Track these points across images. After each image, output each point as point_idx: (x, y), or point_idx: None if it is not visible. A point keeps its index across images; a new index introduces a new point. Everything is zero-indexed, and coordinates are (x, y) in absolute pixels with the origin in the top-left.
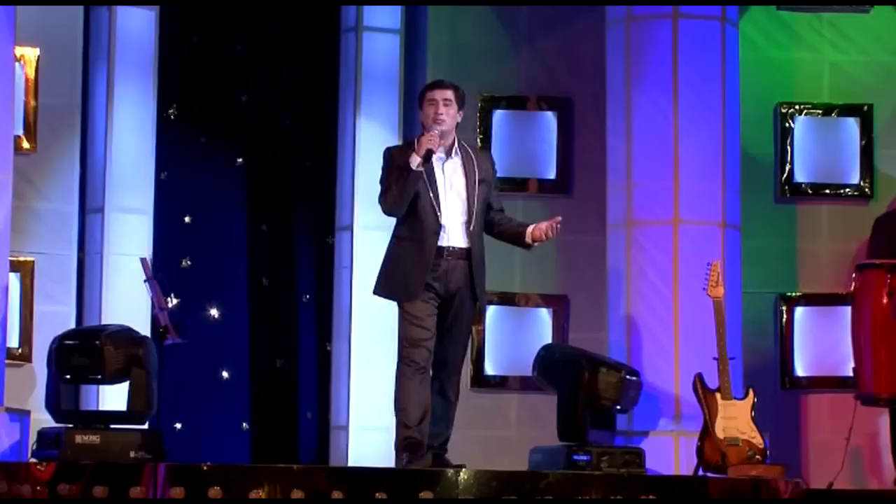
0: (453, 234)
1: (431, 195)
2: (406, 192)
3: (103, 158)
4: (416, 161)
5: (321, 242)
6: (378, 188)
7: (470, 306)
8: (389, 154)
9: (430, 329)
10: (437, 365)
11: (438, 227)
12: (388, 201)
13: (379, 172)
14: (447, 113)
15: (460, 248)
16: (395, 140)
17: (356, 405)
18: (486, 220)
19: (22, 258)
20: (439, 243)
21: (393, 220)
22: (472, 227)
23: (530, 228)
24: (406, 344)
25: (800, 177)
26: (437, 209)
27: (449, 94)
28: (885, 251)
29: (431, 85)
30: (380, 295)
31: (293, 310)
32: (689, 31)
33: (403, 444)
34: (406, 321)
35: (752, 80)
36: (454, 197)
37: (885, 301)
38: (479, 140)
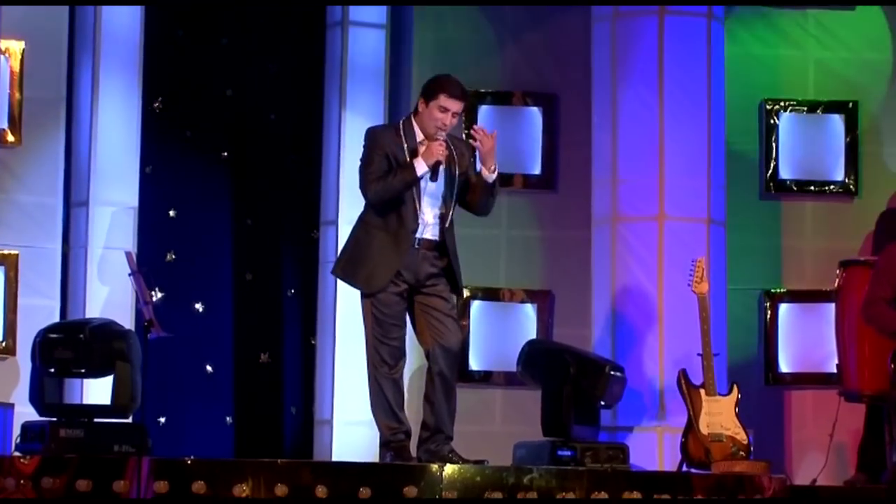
0: (429, 229)
1: (414, 194)
2: (400, 193)
3: (88, 152)
4: (422, 169)
5: (306, 237)
6: (359, 171)
7: (448, 291)
8: (374, 134)
9: (400, 319)
10: (436, 353)
11: (416, 225)
12: (376, 193)
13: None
14: (451, 125)
15: (432, 240)
16: None
17: (340, 399)
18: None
19: (6, 251)
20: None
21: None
22: (447, 224)
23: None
24: (377, 334)
25: (785, 173)
26: (417, 207)
27: (462, 107)
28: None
29: (453, 91)
30: (339, 277)
31: (278, 304)
32: (675, 27)
33: (388, 445)
34: (374, 311)
35: (738, 76)
36: (435, 196)
37: None
38: (463, 135)
